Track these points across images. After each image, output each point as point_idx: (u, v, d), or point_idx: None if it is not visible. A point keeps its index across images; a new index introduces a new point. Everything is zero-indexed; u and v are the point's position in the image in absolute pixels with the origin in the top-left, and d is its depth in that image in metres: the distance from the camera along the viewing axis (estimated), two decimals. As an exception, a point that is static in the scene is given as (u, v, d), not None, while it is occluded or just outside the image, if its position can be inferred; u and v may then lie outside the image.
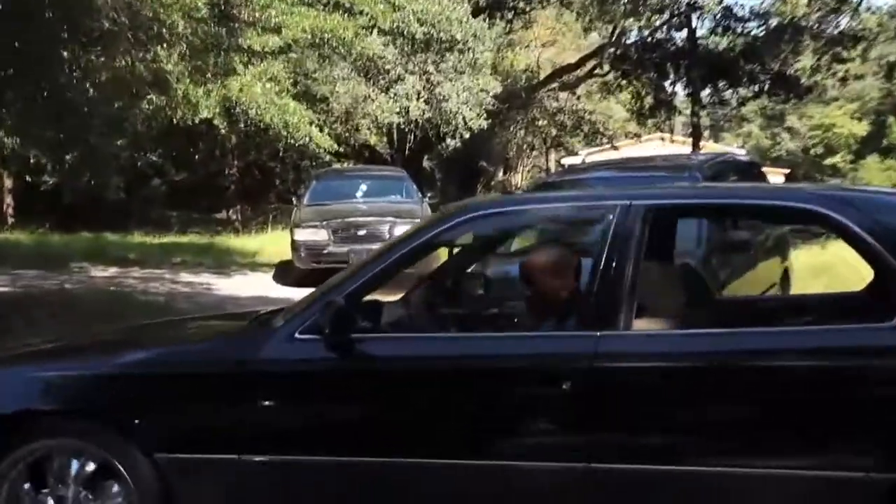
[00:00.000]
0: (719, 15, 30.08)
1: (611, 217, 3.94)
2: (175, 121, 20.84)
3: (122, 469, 4.03)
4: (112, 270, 17.02)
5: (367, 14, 22.44)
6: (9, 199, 28.81)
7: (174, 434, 4.08)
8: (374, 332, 4.10)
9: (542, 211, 4.65)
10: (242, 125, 23.03)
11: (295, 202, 18.54)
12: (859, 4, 28.61)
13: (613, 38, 31.52)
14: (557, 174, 11.90)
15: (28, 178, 26.66)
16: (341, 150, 24.31)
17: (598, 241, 3.99)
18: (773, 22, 30.29)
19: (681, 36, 30.93)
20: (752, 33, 30.72)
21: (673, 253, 5.33)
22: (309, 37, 21.27)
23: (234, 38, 19.45)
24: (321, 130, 21.78)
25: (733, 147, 41.09)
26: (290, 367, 4.02)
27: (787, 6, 30.25)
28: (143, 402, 4.14)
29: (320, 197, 16.41)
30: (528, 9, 32.28)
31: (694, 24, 30.14)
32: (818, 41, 29.43)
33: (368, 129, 26.42)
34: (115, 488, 4.07)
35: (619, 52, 31.34)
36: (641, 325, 4.02)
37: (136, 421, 4.07)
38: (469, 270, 5.51)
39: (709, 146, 34.72)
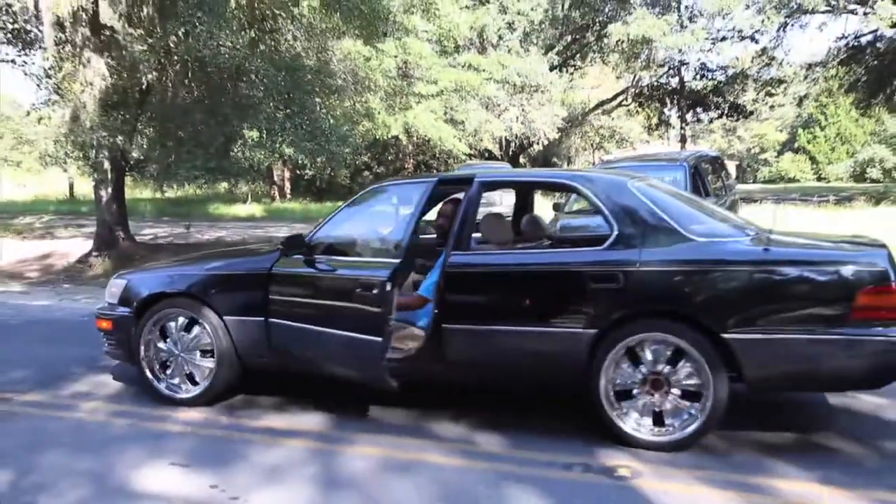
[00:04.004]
0: (698, 68, 34.51)
1: (467, 186, 4.38)
2: (376, 137, 23.40)
3: (204, 323, 4.65)
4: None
5: (487, 71, 24.81)
6: (287, 184, 31.52)
7: (231, 305, 4.62)
8: (320, 256, 4.42)
9: (415, 185, 4.57)
10: (415, 138, 25.53)
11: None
12: (782, 62, 31.52)
13: (634, 82, 34.94)
14: (600, 165, 11.77)
15: (297, 171, 28.62)
16: (472, 153, 27.34)
17: (462, 200, 4.39)
18: (730, 72, 34.19)
19: (674, 81, 35.29)
20: (718, 79, 34.74)
21: (523, 206, 5.59)
22: (453, 85, 24.04)
23: (410, 87, 22.22)
24: (460, 141, 25.59)
25: (704, 148, 43.58)
26: (289, 271, 4.48)
27: (739, 62, 33.93)
28: (218, 289, 4.67)
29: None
30: (582, 66, 35.69)
31: (682, 74, 34.67)
32: (757, 83, 33.15)
33: (488, 139, 27.66)
34: (199, 330, 4.69)
35: (637, 90, 35.40)
36: (481, 248, 4.51)
37: (214, 298, 4.64)
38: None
39: (689, 146, 38.40)
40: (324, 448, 3.99)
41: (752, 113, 37.79)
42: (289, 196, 31.42)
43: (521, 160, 36.00)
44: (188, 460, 3.87)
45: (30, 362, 5.94)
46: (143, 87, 12.04)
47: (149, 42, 11.12)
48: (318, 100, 13.45)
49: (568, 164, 48.71)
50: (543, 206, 11.85)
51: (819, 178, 53.89)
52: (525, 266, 4.04)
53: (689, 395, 3.77)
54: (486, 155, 30.59)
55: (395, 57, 20.72)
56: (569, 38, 34.39)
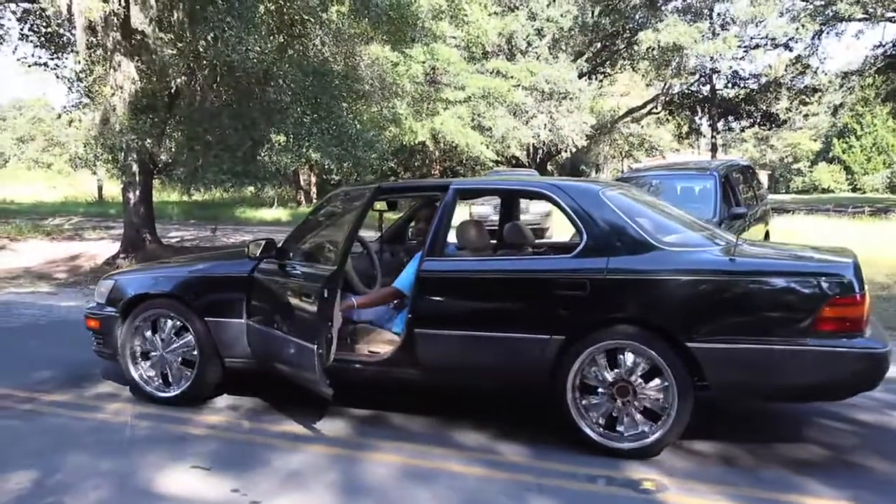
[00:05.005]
0: (730, 76, 34.40)
1: (442, 194, 4.46)
2: (403, 143, 23.59)
3: (186, 324, 4.75)
4: (370, 233, 19.91)
5: (515, 78, 24.94)
6: (313, 188, 32.19)
7: (212, 307, 4.73)
8: (289, 261, 4.53)
9: (361, 192, 4.60)
10: (442, 145, 25.65)
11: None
12: (817, 70, 31.48)
13: (664, 90, 34.83)
14: (628, 173, 11.65)
15: (323, 176, 30.37)
16: (499, 159, 27.84)
17: (439, 206, 4.44)
18: (763, 80, 34.20)
19: (705, 89, 35.22)
20: (750, 87, 34.58)
21: (508, 213, 5.60)
22: (481, 92, 24.25)
23: (438, 93, 22.48)
24: (487, 147, 25.58)
25: (736, 157, 43.02)
26: (263, 274, 4.63)
27: (773, 70, 34.08)
28: (199, 291, 4.78)
29: (486, 187, 17.65)
30: (612, 73, 36.22)
31: (714, 82, 34.61)
32: (791, 92, 33.03)
33: (515, 146, 27.90)
34: (189, 337, 4.80)
35: (667, 98, 35.31)
36: (455, 255, 4.54)
37: (195, 300, 4.73)
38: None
39: (721, 155, 38.77)
40: (345, 454, 4.01)
41: (785, 122, 37.67)
42: (315, 201, 31.25)
43: (549, 167, 36.31)
44: (210, 463, 3.90)
45: (56, 362, 6.05)
46: (172, 90, 12.26)
47: (178, 46, 11.33)
48: (345, 105, 13.61)
49: (596, 172, 48.92)
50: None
51: (854, 189, 53.05)
52: (496, 273, 4.07)
53: (654, 402, 3.80)
54: (514, 162, 30.95)
55: (423, 63, 20.92)
56: (598, 44, 34.77)
